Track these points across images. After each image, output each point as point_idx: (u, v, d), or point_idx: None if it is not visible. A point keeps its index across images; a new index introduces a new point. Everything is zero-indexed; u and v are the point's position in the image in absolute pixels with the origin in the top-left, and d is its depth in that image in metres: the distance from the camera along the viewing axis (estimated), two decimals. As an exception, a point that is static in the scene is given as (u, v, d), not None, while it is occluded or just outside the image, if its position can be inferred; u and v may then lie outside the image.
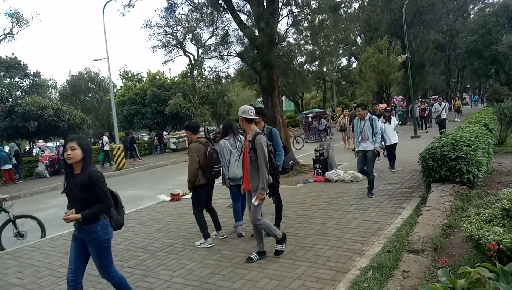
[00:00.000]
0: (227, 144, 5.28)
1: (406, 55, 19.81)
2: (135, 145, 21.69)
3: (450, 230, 4.36)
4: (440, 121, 15.13)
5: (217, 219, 5.44)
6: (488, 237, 2.82)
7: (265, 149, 4.16)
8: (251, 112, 4.32)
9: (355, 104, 7.53)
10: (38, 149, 23.06)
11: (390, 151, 9.39)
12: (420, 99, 24.35)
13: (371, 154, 6.86)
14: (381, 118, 9.32)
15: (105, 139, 19.38)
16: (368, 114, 7.06)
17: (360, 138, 7.00)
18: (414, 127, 17.98)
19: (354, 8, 28.66)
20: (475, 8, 38.44)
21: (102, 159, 19.60)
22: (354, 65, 34.91)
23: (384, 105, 24.12)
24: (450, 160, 5.76)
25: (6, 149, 17.15)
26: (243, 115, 4.30)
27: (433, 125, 20.06)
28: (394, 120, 9.58)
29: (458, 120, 22.31)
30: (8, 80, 27.45)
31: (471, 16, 37.92)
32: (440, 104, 15.80)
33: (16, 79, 30.14)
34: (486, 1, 37.73)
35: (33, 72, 32.21)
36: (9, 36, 22.03)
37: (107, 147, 19.01)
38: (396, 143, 9.43)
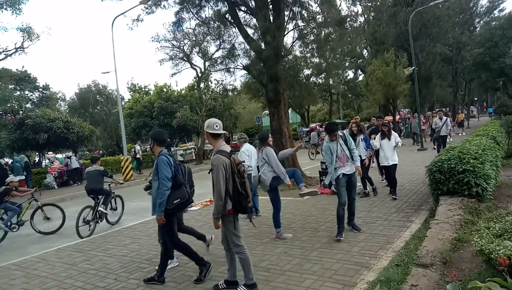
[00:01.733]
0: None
1: (413, 68, 19.82)
2: (170, 153, 22.34)
3: (460, 244, 4.29)
4: (438, 137, 13.11)
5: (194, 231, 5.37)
6: (499, 252, 2.77)
7: (222, 172, 3.67)
8: (216, 126, 3.89)
9: (326, 125, 5.89)
10: (48, 161, 23.32)
11: (389, 173, 7.87)
12: (434, 111, 23.24)
13: (356, 178, 5.76)
14: (378, 134, 8.03)
15: (137, 147, 20.88)
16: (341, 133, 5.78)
17: (336, 164, 5.57)
18: (420, 139, 17.86)
19: (360, 21, 28.93)
20: (481, 22, 38.51)
21: (136, 167, 20.56)
22: (360, 78, 35.01)
23: (390, 118, 24.05)
24: (457, 173, 5.71)
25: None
26: (207, 130, 3.90)
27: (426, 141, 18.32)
28: (395, 137, 7.82)
29: (464, 133, 22.06)
30: (18, 93, 27.92)
31: (477, 29, 37.97)
32: (440, 119, 13.33)
33: (26, 92, 30.65)
34: (492, 15, 37.81)
35: (43, 85, 32.75)
36: (20, 50, 22.42)
37: (139, 155, 20.46)
38: (396, 164, 7.77)
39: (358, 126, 8.51)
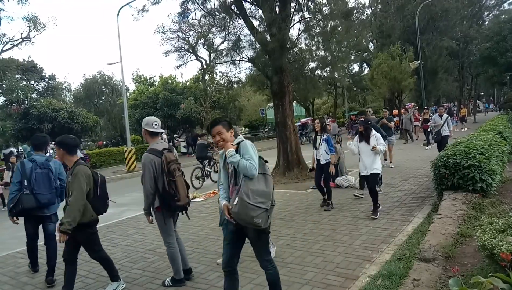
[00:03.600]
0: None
1: (419, 61, 19.63)
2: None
3: (462, 239, 4.28)
4: (439, 139, 10.93)
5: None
6: (501, 247, 2.76)
7: (148, 170, 3.77)
8: (155, 124, 3.96)
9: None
10: (51, 151, 23.45)
11: (368, 185, 6.26)
12: (425, 107, 20.98)
13: (256, 234, 3.08)
14: (356, 136, 6.53)
15: (164, 136, 21.78)
16: (241, 138, 3.19)
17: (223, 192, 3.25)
18: (425, 135, 17.70)
19: (367, 14, 28.52)
20: (490, 15, 37.93)
21: None
22: (366, 71, 34.71)
23: (396, 112, 23.85)
24: (463, 168, 5.68)
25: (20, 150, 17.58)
26: (145, 128, 3.97)
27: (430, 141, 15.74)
28: (377, 139, 6.18)
29: (465, 129, 21.79)
30: (24, 82, 28.04)
31: (486, 23, 37.42)
32: (440, 116, 11.26)
33: (32, 82, 30.76)
34: (501, 8, 37.23)
35: (49, 75, 32.81)
36: (26, 40, 22.53)
37: (170, 143, 21.12)
38: (376, 174, 6.18)
39: (321, 123, 6.83)
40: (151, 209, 3.96)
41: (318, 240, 5.11)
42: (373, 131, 6.27)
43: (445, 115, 11.22)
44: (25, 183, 4.35)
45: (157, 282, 4.25)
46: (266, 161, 3.12)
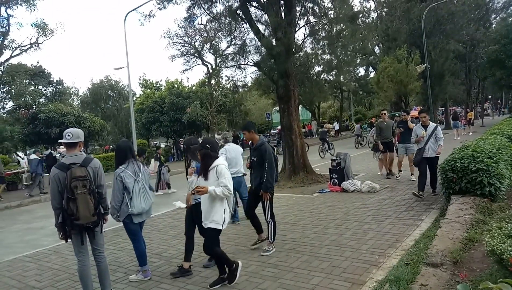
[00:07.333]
0: (128, 172, 4.25)
1: (425, 65, 19.55)
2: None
3: (471, 243, 4.23)
4: (419, 159, 7.26)
5: None
6: (511, 252, 2.73)
7: (53, 184, 3.62)
8: (68, 135, 3.74)
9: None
10: (59, 155, 23.70)
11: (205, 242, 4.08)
12: (396, 113, 16.80)
13: None
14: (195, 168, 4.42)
15: (217, 136, 23.72)
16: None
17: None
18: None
19: (372, 17, 28.64)
20: (497, 18, 37.72)
21: None
22: (371, 75, 34.67)
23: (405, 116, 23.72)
24: (470, 172, 5.63)
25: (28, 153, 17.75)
26: (60, 140, 3.94)
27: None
28: (219, 174, 3.87)
29: (471, 133, 21.49)
30: (32, 87, 28.39)
31: (493, 25, 37.20)
32: (425, 127, 7.39)
33: (40, 87, 31.16)
34: (508, 10, 37.00)
35: (56, 80, 33.23)
36: (35, 46, 22.78)
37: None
38: (214, 230, 3.98)
39: (188, 145, 4.63)
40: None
41: (324, 244, 5.08)
42: (217, 161, 3.95)
43: (432, 124, 7.43)
44: None
45: (163, 287, 4.25)
46: None
